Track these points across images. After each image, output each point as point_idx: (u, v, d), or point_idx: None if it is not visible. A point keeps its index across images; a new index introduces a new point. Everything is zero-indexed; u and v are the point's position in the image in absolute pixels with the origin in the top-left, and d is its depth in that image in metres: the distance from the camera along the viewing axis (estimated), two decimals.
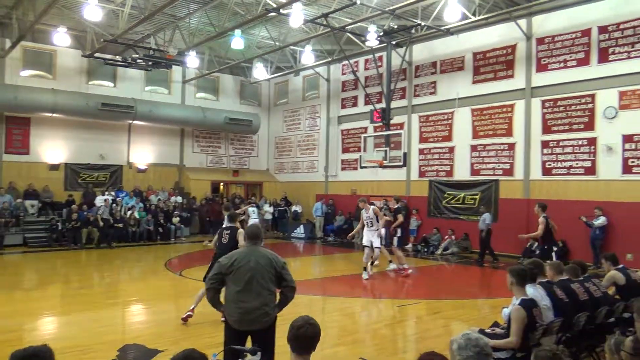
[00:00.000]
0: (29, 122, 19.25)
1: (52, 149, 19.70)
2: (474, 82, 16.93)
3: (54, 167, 19.72)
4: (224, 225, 8.24)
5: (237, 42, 17.00)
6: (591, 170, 14.10)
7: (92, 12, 14.53)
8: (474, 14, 14.84)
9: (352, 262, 14.73)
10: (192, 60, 19.01)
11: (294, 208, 22.34)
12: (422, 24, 15.52)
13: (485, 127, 16.57)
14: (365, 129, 19.71)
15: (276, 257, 4.64)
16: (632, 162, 13.34)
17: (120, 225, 18.21)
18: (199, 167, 23.40)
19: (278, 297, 4.61)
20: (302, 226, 21.35)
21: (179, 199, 21.19)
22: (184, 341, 6.88)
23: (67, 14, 16.19)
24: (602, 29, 13.99)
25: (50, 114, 18.95)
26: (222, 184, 24.02)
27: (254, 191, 24.12)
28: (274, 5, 14.21)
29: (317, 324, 3.24)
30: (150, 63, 18.47)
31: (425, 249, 16.88)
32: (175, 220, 19.89)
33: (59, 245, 17.05)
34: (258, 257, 4.54)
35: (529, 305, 4.57)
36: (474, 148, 16.85)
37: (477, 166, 16.77)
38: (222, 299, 4.65)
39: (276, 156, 25.21)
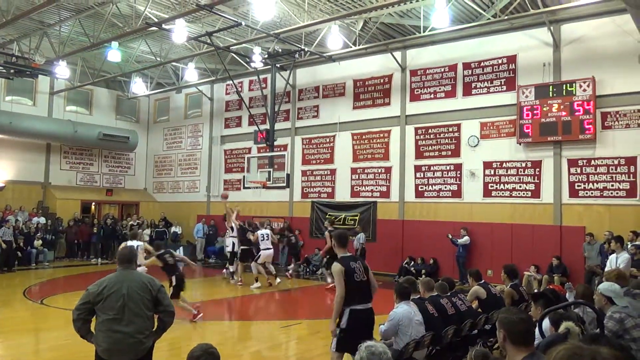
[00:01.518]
0: None
1: None
2: (355, 107, 17.69)
3: None
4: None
5: (114, 54, 16.09)
6: (457, 194, 15.32)
7: None
8: (354, 44, 15.57)
9: (235, 284, 14.45)
10: (62, 70, 17.61)
11: (173, 229, 21.42)
12: (306, 49, 15.96)
13: (364, 151, 17.34)
14: (249, 149, 19.65)
15: (152, 281, 4.41)
16: (492, 186, 14.74)
17: None
18: (68, 185, 21.57)
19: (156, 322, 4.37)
20: (181, 248, 20.50)
21: (42, 219, 19.30)
22: None
23: None
24: (466, 65, 15.42)
25: None
26: (93, 203, 22.33)
27: (130, 211, 22.76)
28: (155, 20, 13.74)
29: (218, 352, 3.06)
30: (12, 71, 16.80)
31: (307, 269, 17.06)
32: (38, 243, 18.06)
33: None
34: (131, 281, 4.27)
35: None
36: (354, 171, 17.52)
37: (356, 188, 17.43)
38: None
39: (155, 175, 24.12)
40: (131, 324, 4.13)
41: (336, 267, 5.07)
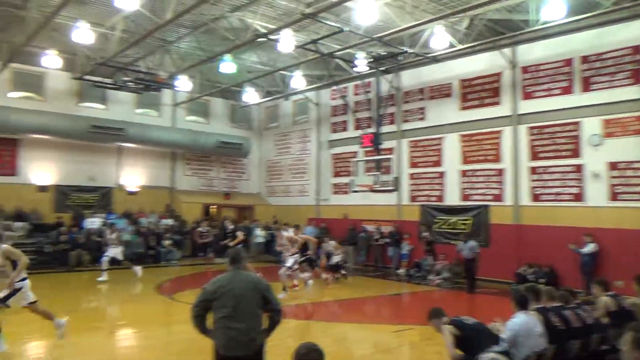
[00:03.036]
0: (17, 143, 19.16)
1: (41, 170, 19.58)
2: (462, 108, 17.20)
3: (43, 189, 19.56)
4: None
5: (227, 66, 17.14)
6: (579, 197, 14.28)
7: (83, 35, 14.66)
8: (460, 43, 15.15)
9: (350, 286, 14.70)
10: (183, 83, 19.14)
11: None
12: (409, 51, 15.81)
13: (474, 152, 16.79)
14: (356, 153, 19.85)
15: (260, 280, 4.64)
16: (618, 189, 13.56)
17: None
18: (191, 190, 23.34)
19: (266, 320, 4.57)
20: None
21: (170, 221, 21.06)
22: None
23: (58, 37, 16.26)
24: (584, 59, 14.34)
25: (38, 136, 18.92)
26: (213, 207, 23.92)
27: (245, 214, 24.04)
28: (264, 31, 14.42)
29: (322, 350, 3.20)
30: (140, 86, 18.55)
31: (418, 274, 16.84)
32: (167, 243, 19.73)
33: (47, 267, 16.79)
34: (241, 281, 4.50)
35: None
36: (463, 173, 17.03)
37: (467, 191, 16.92)
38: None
39: (267, 180, 25.24)
40: (244, 322, 4.36)
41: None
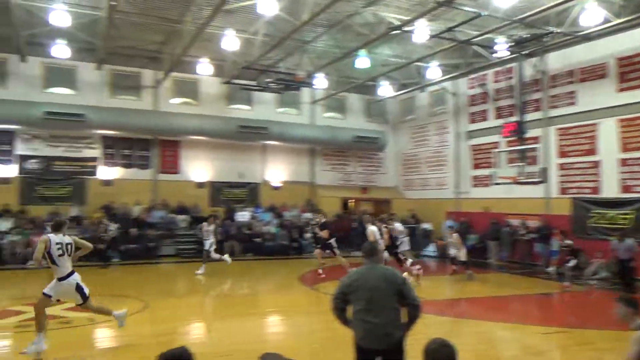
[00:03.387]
0: (178, 144, 21.46)
1: (198, 168, 21.72)
2: (620, 90, 15.45)
3: (200, 185, 21.69)
4: None
5: (362, 61, 17.37)
6: None
7: (230, 42, 15.93)
8: (616, 17, 13.60)
9: (493, 283, 14.14)
10: (320, 81, 19.85)
11: (423, 225, 22.00)
12: (557, 31, 14.59)
13: (636, 139, 15.02)
14: (497, 143, 18.88)
15: (394, 274, 4.58)
16: None
17: (259, 239, 19.57)
18: (329, 184, 24.12)
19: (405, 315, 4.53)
20: (432, 244, 20.91)
21: (310, 215, 22.00)
22: (318, 356, 7.14)
23: (209, 45, 17.82)
24: None
25: (195, 137, 21.02)
26: (351, 201, 24.49)
27: (382, 208, 24.20)
28: (397, 23, 14.34)
29: (453, 346, 3.16)
30: (281, 86, 19.60)
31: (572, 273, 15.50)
32: (308, 236, 20.66)
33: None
34: (376, 275, 4.50)
35: None
36: (623, 162, 15.32)
37: (627, 182, 15.21)
38: None
39: (404, 173, 25.12)
40: (379, 316, 4.36)
41: None
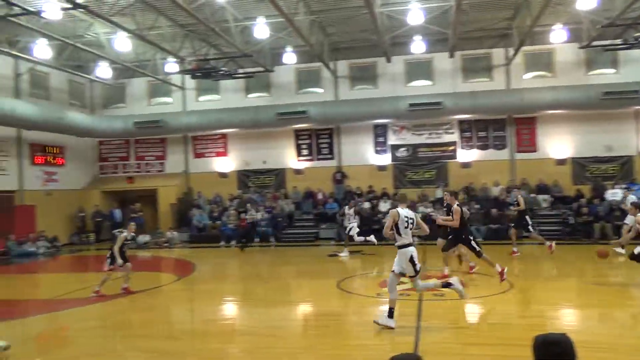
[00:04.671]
0: (534, 121, 20.64)
1: (557, 144, 20.43)
2: None
3: (561, 162, 20.36)
4: None
5: None
6: None
7: (586, 1, 14.31)
8: None
9: None
10: None
11: None
12: None
13: None
14: None
15: None
16: None
17: None
18: None
19: None
20: None
21: None
22: None
23: (561, 10, 16.43)
24: None
25: (552, 111, 19.79)
26: None
27: None
28: None
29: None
30: None
31: None
32: None
33: (572, 238, 17.35)
34: None
35: None
36: None
37: None
38: None
39: None
40: None
41: None
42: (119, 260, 10.58)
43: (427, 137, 21.63)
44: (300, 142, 22.81)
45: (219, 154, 23.50)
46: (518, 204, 14.30)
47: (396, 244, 7.56)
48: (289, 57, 20.07)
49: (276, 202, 21.39)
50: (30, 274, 16.23)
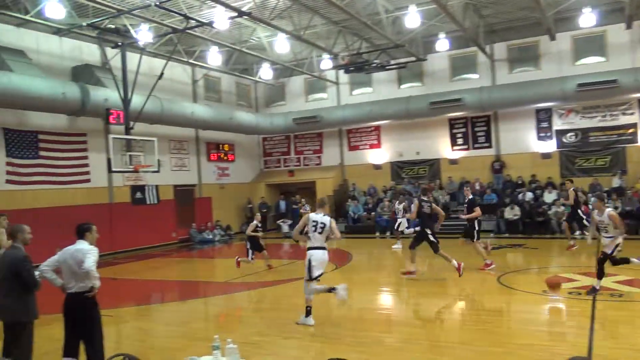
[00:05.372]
0: None
1: None
2: None
3: None
4: None
5: None
6: None
7: None
8: None
9: None
10: None
11: None
12: None
13: None
14: None
15: None
16: None
17: None
18: None
19: None
20: None
21: None
22: None
23: None
24: None
25: None
26: None
27: None
28: None
29: None
30: None
31: None
32: None
33: None
34: None
35: None
36: None
37: None
38: None
39: None
40: None
41: None
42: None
43: (600, 119, 19.45)
44: (454, 131, 22.13)
45: (372, 146, 23.84)
46: None
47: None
48: (442, 44, 19.56)
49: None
50: (209, 259, 18.23)
